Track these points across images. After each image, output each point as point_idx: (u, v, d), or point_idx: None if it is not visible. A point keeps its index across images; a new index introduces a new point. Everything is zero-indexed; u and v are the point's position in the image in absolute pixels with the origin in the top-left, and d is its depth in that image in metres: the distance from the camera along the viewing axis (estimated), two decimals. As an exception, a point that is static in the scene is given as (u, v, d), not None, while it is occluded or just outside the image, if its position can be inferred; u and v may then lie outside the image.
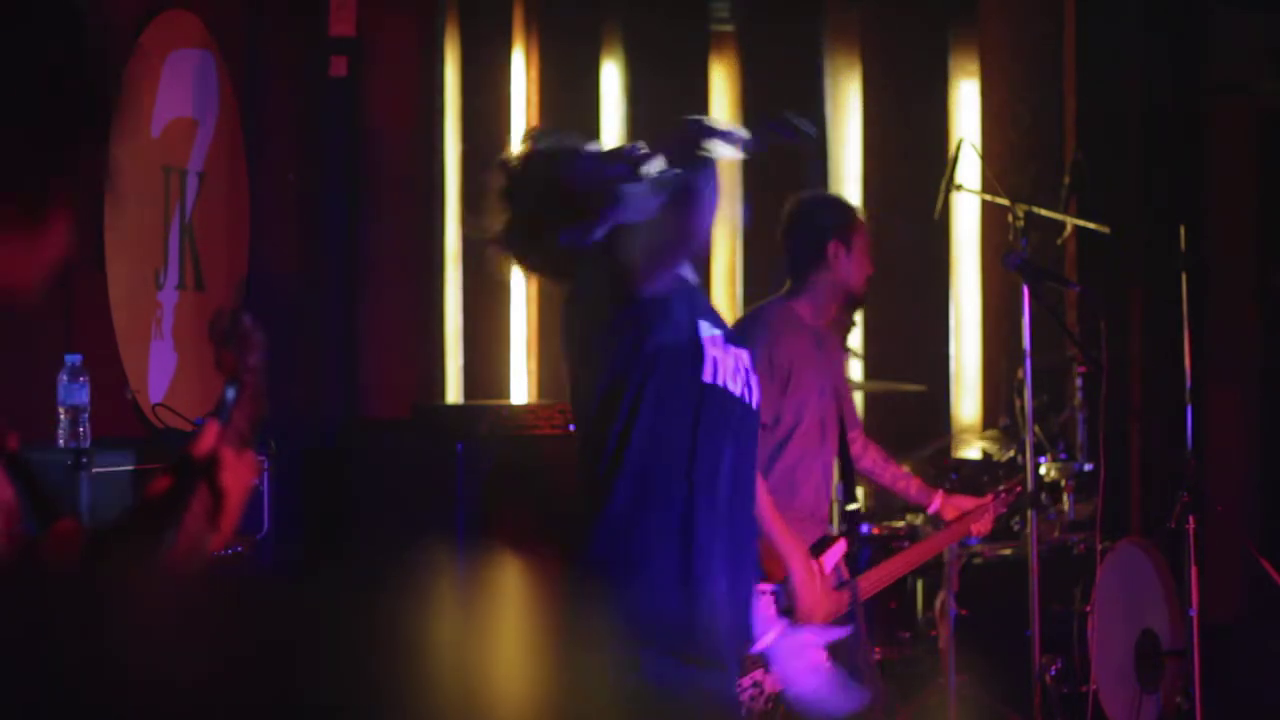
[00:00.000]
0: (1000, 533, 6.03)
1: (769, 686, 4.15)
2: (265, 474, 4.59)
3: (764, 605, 3.60)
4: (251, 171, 5.65)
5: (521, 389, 6.79)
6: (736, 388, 3.17)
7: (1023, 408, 5.63)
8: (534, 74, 6.85)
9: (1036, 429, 5.80)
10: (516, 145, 3.35)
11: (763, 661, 4.18)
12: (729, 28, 7.21)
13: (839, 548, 4.42)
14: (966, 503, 5.06)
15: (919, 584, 6.08)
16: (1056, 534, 6.14)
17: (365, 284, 6.21)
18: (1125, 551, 5.88)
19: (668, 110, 6.64)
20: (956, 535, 5.07)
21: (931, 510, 5.08)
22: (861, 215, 4.97)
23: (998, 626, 5.70)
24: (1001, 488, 5.30)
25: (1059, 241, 6.88)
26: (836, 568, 4.44)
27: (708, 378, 3.12)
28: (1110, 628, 5.73)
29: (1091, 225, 6.17)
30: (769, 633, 3.38)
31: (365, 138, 6.22)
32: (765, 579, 4.05)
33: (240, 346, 1.94)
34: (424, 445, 5.21)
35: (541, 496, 4.99)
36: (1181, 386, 5.63)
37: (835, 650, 3.97)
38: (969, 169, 6.58)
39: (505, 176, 3.29)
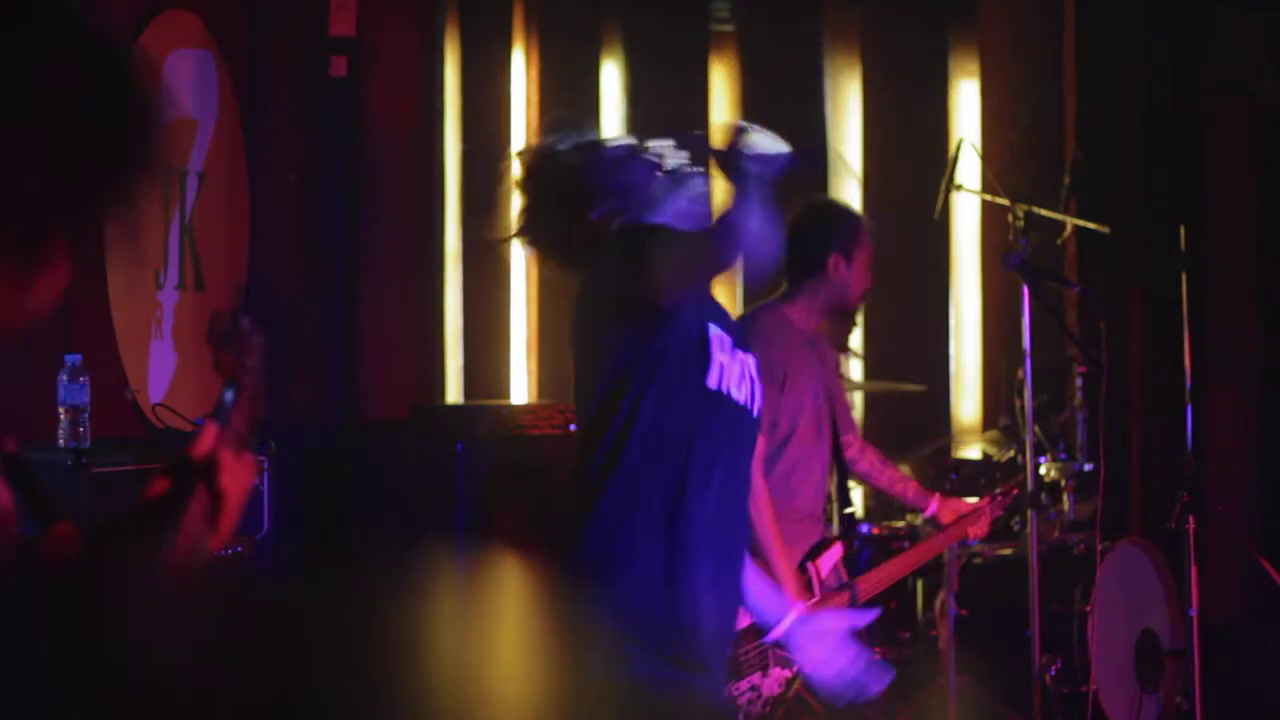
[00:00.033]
0: (1000, 533, 6.03)
1: (766, 690, 4.15)
2: (265, 474, 4.59)
3: (776, 593, 3.56)
4: (251, 171, 5.65)
5: (521, 389, 6.79)
6: (740, 394, 3.13)
7: (1023, 408, 5.63)
8: (534, 74, 6.85)
9: (1036, 429, 5.79)
10: (536, 134, 3.34)
11: (761, 664, 4.18)
12: (729, 28, 7.21)
13: (835, 551, 4.42)
14: (963, 506, 5.06)
15: (919, 584, 6.08)
16: (1056, 534, 6.14)
17: (365, 284, 6.21)
18: (1125, 551, 5.88)
19: (668, 110, 6.65)
20: (953, 538, 5.06)
21: (928, 513, 5.07)
22: (868, 228, 4.94)
23: (998, 626, 5.70)
24: (998, 490, 5.29)
25: (1059, 241, 6.88)
26: (835, 570, 4.44)
27: (712, 384, 3.09)
28: (1110, 628, 5.73)
29: (1091, 225, 6.17)
30: (786, 617, 3.34)
31: (365, 138, 6.21)
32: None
33: (238, 349, 1.94)
34: (424, 445, 5.21)
35: (541, 496, 4.99)
36: (1181, 386, 5.63)
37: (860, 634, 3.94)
38: (969, 169, 6.58)
39: (525, 162, 3.28)
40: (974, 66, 7.36)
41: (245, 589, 1.26)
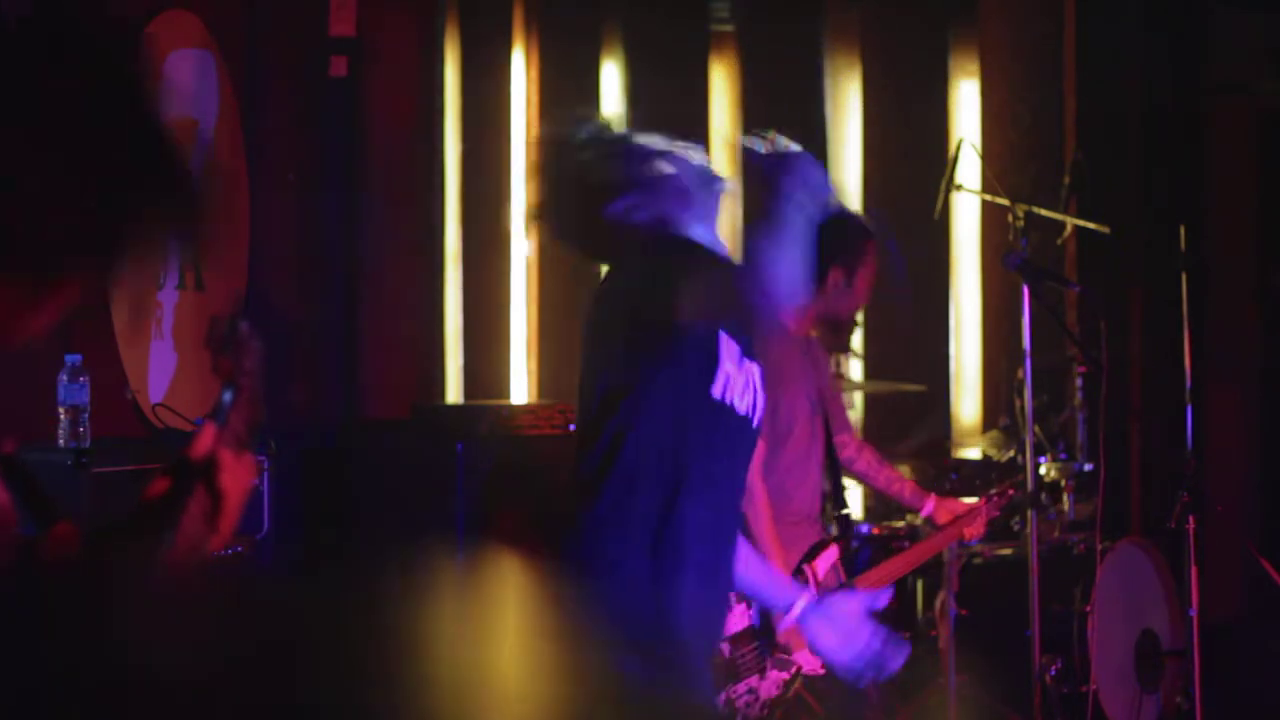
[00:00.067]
0: (1000, 533, 6.04)
1: (764, 693, 4.15)
2: (265, 474, 4.59)
3: (785, 581, 3.53)
4: (251, 171, 5.65)
5: (521, 389, 6.79)
6: (742, 406, 3.10)
7: (1023, 408, 5.63)
8: (534, 74, 6.85)
9: (1036, 429, 5.80)
10: (554, 124, 3.32)
11: (758, 667, 4.18)
12: (729, 28, 7.21)
13: (831, 552, 4.43)
14: (960, 506, 5.06)
15: (919, 584, 6.08)
16: (1056, 534, 6.14)
17: (365, 284, 6.21)
18: (1125, 551, 5.88)
19: (668, 110, 6.65)
20: (949, 539, 5.06)
21: (925, 514, 5.07)
22: (879, 246, 4.86)
23: (998, 626, 5.70)
24: (994, 491, 5.29)
25: (1059, 241, 6.88)
26: (832, 570, 4.44)
27: (716, 394, 3.05)
28: (1110, 628, 5.73)
29: (1091, 225, 6.17)
30: (798, 603, 3.30)
31: (365, 138, 6.21)
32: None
33: (237, 352, 1.95)
34: (424, 445, 5.21)
35: (541, 496, 4.98)
36: (1181, 386, 5.63)
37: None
38: (969, 169, 6.58)
39: (542, 152, 3.27)
40: (974, 66, 7.36)
41: (245, 589, 1.26)
